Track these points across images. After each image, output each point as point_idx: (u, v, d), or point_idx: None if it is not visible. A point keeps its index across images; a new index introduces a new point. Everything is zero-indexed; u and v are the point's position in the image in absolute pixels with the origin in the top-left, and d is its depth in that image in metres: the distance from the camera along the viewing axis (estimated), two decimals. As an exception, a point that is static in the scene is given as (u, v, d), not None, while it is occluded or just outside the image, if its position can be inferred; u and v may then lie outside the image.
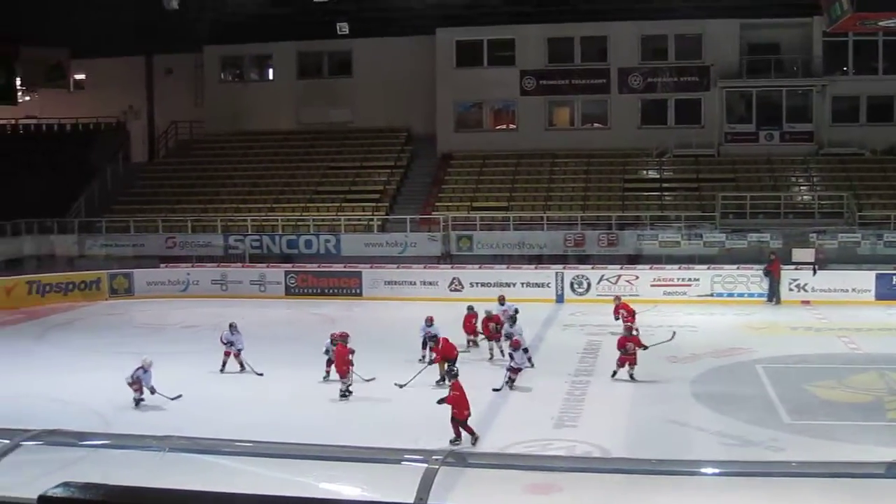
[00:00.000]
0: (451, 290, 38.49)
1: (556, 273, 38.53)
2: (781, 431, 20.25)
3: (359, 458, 5.30)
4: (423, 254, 41.82)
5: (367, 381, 24.35)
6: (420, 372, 24.65)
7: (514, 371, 24.18)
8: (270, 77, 55.12)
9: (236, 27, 49.22)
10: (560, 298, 37.94)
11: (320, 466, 5.41)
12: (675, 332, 26.24)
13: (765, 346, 29.18)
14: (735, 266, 37.76)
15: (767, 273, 36.76)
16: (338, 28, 46.81)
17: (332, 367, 24.30)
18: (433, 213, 43.92)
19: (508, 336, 26.45)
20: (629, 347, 24.71)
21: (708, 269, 37.88)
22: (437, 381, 24.31)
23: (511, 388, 23.93)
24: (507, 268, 39.64)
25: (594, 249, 40.65)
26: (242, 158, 50.99)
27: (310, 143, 51.48)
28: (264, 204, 46.33)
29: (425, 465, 4.69)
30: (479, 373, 24.82)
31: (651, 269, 38.29)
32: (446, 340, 25.51)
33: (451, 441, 19.18)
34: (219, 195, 47.66)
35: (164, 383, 23.27)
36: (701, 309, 35.62)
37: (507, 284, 37.71)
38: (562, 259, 40.35)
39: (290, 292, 40.41)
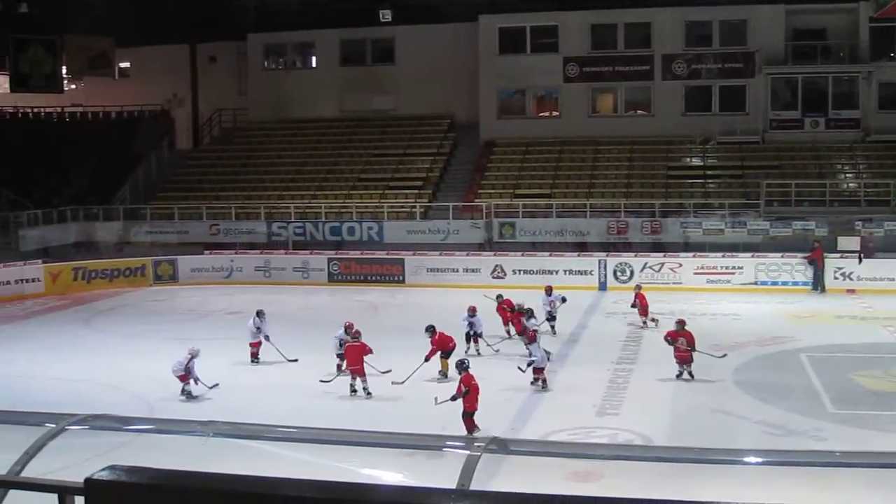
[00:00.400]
0: (493, 278, 38.46)
1: (599, 260, 38.40)
2: (825, 421, 20.12)
3: (400, 444, 5.31)
4: (465, 241, 41.81)
5: (384, 373, 23.54)
6: (418, 368, 23.55)
7: (539, 371, 23.09)
8: (313, 65, 55.26)
9: (279, 15, 49.41)
10: (603, 286, 37.81)
11: (362, 452, 5.43)
12: (726, 355, 24.90)
13: (809, 334, 28.97)
14: (779, 254, 37.44)
15: (811, 262, 36.48)
16: (380, 15, 46.91)
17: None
18: (476, 200, 43.89)
19: (524, 330, 26.15)
20: (680, 342, 23.55)
21: (752, 257, 37.61)
22: (439, 376, 23.96)
23: (545, 387, 22.98)
24: (550, 255, 39.53)
25: (637, 237, 40.48)
26: (286, 146, 51.18)
27: (353, 130, 51.56)
28: (307, 191, 46.48)
29: (467, 451, 4.70)
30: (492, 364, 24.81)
31: (695, 256, 38.07)
32: (442, 334, 24.80)
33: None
34: (262, 182, 47.89)
35: (208, 369, 23.44)
36: (744, 297, 35.41)
37: (550, 272, 37.73)
38: (605, 246, 40.18)
39: (332, 279, 40.55)
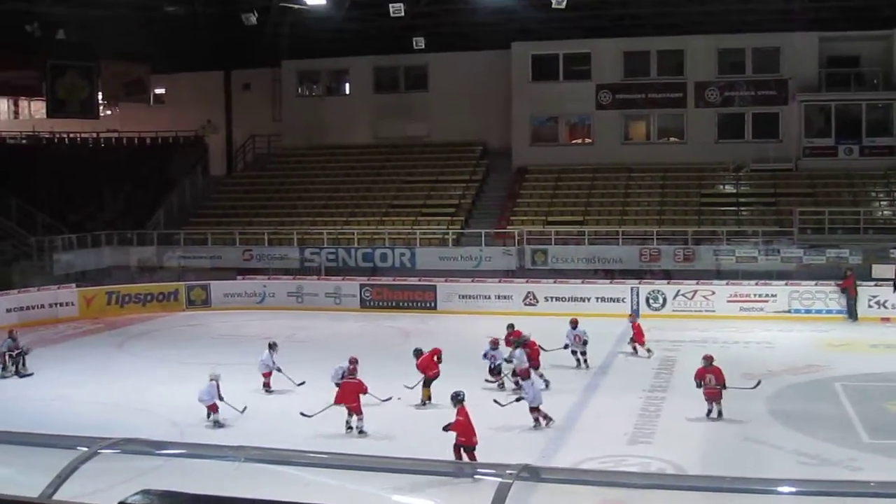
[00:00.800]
0: (525, 305, 38.42)
1: (632, 288, 38.26)
2: (860, 451, 19.92)
3: (432, 471, 5.30)
4: (497, 268, 41.78)
5: (384, 401, 23.60)
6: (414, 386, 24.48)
7: (534, 410, 21.86)
8: (347, 91, 55.53)
9: (313, 42, 49.71)
10: (635, 313, 37.65)
11: (394, 478, 5.43)
12: (760, 381, 24.10)
13: (843, 363, 28.72)
14: (813, 282, 37.18)
15: (843, 290, 36.21)
16: (414, 43, 47.11)
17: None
18: (508, 227, 43.90)
19: (509, 360, 25.68)
20: (708, 380, 22.68)
21: (786, 284, 37.34)
22: (419, 405, 24.03)
23: (547, 424, 21.95)
24: (582, 282, 39.42)
25: (670, 264, 40.31)
26: (319, 172, 51.42)
27: (386, 156, 51.74)
28: (340, 217, 46.64)
29: (499, 479, 4.69)
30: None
31: (728, 284, 37.85)
32: (426, 358, 24.94)
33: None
34: (295, 208, 48.09)
35: (240, 393, 23.51)
36: (778, 325, 35.18)
37: (582, 299, 37.70)
38: (637, 274, 40.03)
39: (365, 305, 40.59)
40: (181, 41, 50.01)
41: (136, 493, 4.32)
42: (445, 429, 18.79)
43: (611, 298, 38.12)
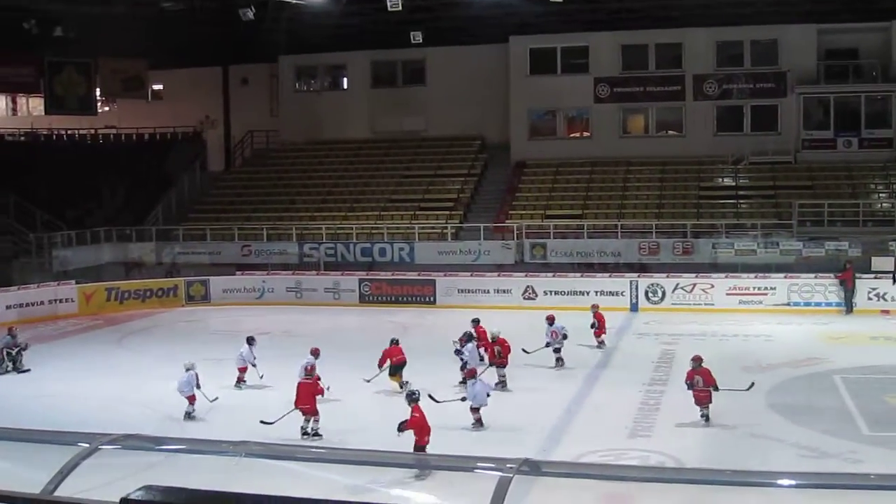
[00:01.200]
0: (524, 299, 38.45)
1: (631, 281, 38.27)
2: (860, 443, 19.92)
3: (432, 465, 5.31)
4: (496, 262, 41.80)
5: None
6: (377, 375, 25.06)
7: (474, 410, 21.46)
8: (345, 86, 55.57)
9: (311, 37, 49.63)
10: (634, 307, 37.69)
11: (393, 473, 5.43)
12: (753, 384, 23.19)
13: (843, 356, 28.73)
14: (812, 275, 37.18)
15: (842, 282, 36.23)
16: (411, 37, 47.04)
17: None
18: (507, 221, 43.90)
19: (458, 353, 25.50)
20: (696, 381, 21.97)
21: (784, 277, 37.34)
22: (399, 391, 23.83)
23: (479, 426, 21.42)
24: (581, 276, 39.45)
25: (669, 258, 40.31)
26: (317, 167, 51.45)
27: (384, 151, 51.74)
28: (339, 212, 46.65)
29: (500, 473, 4.69)
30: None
31: (727, 277, 37.86)
32: (394, 347, 25.34)
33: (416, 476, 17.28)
34: (294, 203, 48.11)
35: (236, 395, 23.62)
36: (777, 318, 35.19)
37: (581, 293, 37.73)
38: (636, 267, 40.03)
39: (364, 300, 40.62)
40: (179, 37, 49.91)
41: (139, 489, 4.32)
42: (400, 429, 18.17)
43: (610, 292, 38.09)
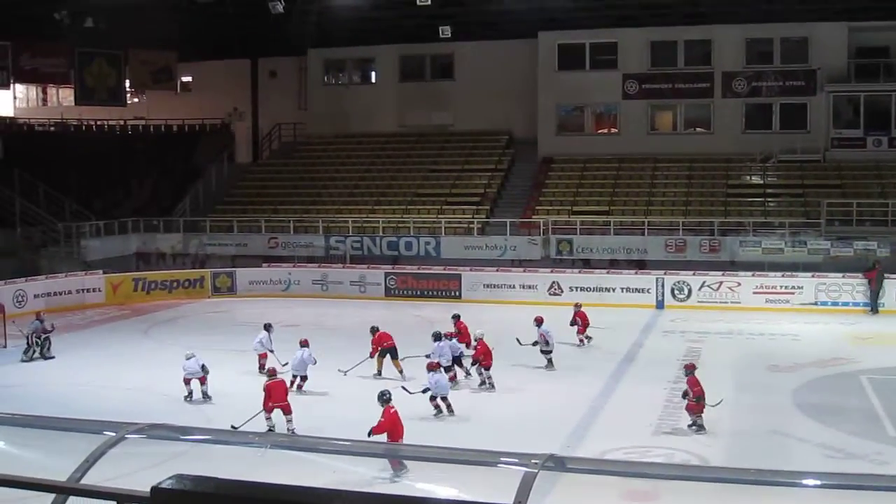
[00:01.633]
0: (550, 294, 38.37)
1: (657, 278, 38.15)
2: (887, 444, 19.83)
3: (455, 459, 5.30)
4: (522, 257, 41.76)
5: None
6: (362, 362, 26.10)
7: (434, 399, 22.19)
8: (373, 80, 55.57)
9: (340, 30, 49.69)
10: (660, 304, 37.58)
11: (417, 466, 5.44)
12: (722, 401, 21.83)
13: (870, 356, 28.58)
14: (840, 274, 36.97)
15: (868, 281, 36.02)
16: (440, 31, 47.02)
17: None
18: (533, 216, 43.87)
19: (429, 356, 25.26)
20: (687, 392, 21.31)
21: (812, 276, 37.14)
22: (374, 375, 25.45)
23: (449, 412, 22.24)
24: (607, 272, 39.36)
25: (696, 255, 40.15)
26: (345, 160, 51.48)
27: (411, 145, 51.78)
28: (365, 206, 46.71)
29: (524, 468, 4.68)
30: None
31: (753, 276, 37.68)
32: (382, 333, 26.41)
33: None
34: (321, 196, 48.18)
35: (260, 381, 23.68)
36: (804, 317, 35.01)
37: (607, 289, 37.75)
38: (663, 264, 39.88)
39: (389, 294, 40.63)
40: (208, 29, 50.15)
41: (170, 478, 4.33)
42: (370, 434, 17.74)
43: (636, 289, 38.05)
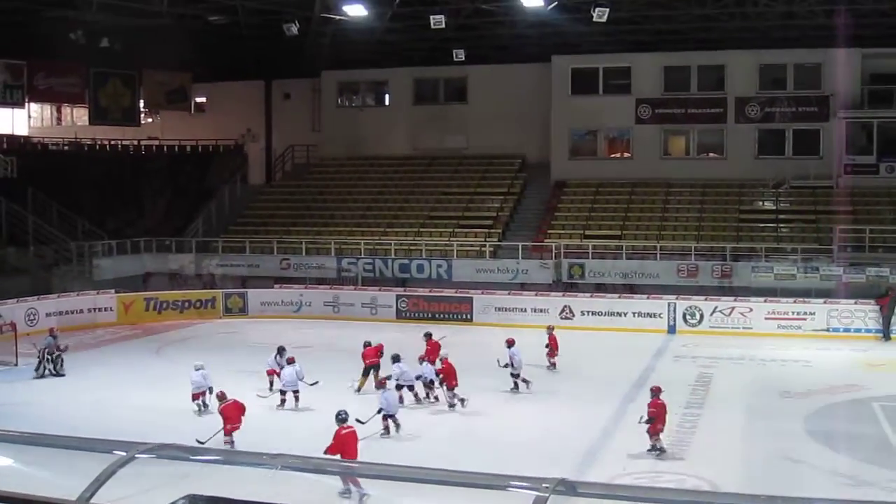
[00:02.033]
0: (562, 318, 38.26)
1: (669, 303, 38.06)
2: (899, 472, 19.73)
3: (466, 482, 5.30)
4: (534, 281, 41.71)
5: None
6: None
7: (386, 418, 22.60)
8: (387, 102, 55.70)
9: (353, 53, 49.90)
10: (672, 329, 37.48)
11: (428, 490, 5.42)
12: (642, 417, 21.32)
13: (882, 383, 28.44)
14: (852, 301, 36.85)
15: (880, 308, 35.90)
16: (454, 55, 47.14)
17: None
18: (545, 240, 43.84)
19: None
20: (648, 413, 21.27)
21: (824, 303, 37.01)
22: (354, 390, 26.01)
23: (395, 431, 22.67)
24: (619, 297, 39.29)
25: (707, 280, 40.05)
26: (357, 182, 51.55)
27: (424, 168, 51.87)
28: (378, 228, 46.75)
29: (536, 492, 4.68)
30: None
31: (766, 301, 37.57)
32: (369, 349, 27.34)
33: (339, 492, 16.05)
34: (333, 218, 48.24)
35: (271, 401, 23.68)
36: (816, 343, 34.86)
37: (619, 314, 37.71)
38: (675, 289, 39.77)
39: (401, 316, 40.59)
40: (223, 51, 50.38)
41: (182, 498, 4.34)
42: (325, 451, 17.75)
43: (648, 313, 37.97)
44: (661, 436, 21.17)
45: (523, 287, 41.48)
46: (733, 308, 37.39)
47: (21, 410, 24.79)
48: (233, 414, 21.68)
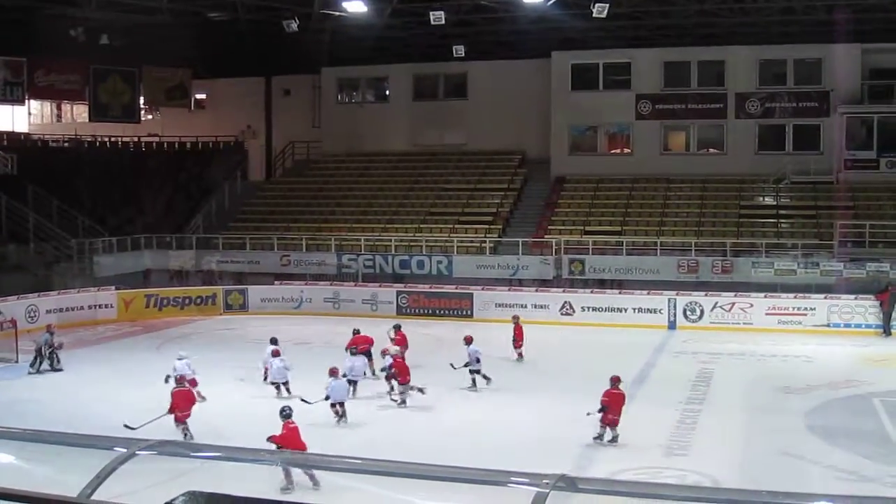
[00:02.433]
0: (562, 314, 38.31)
1: (669, 299, 38.05)
2: (899, 467, 19.73)
3: (466, 478, 5.29)
4: (534, 277, 41.72)
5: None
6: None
7: (334, 406, 23.29)
8: (386, 99, 55.67)
9: (353, 49, 49.88)
10: (672, 325, 37.48)
11: (428, 486, 5.42)
12: (590, 413, 21.70)
13: (882, 379, 28.44)
14: (853, 296, 36.84)
15: (881, 304, 35.89)
16: (454, 51, 47.14)
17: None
18: (546, 236, 43.82)
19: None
20: (601, 401, 21.61)
21: (825, 298, 37.00)
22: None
23: (343, 417, 23.36)
24: (619, 293, 39.28)
25: (708, 276, 40.06)
26: (357, 179, 51.54)
27: (424, 164, 51.86)
28: (378, 224, 46.74)
29: (536, 488, 4.68)
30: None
31: (766, 297, 37.55)
32: (362, 336, 27.98)
33: (281, 489, 13.85)
34: (333, 215, 48.25)
35: (271, 399, 23.73)
36: (817, 339, 34.87)
37: (619, 309, 37.68)
38: (675, 285, 39.78)
39: (401, 312, 40.57)
40: (223, 47, 50.38)
41: (182, 494, 4.34)
42: (268, 439, 17.35)
43: (648, 309, 37.96)
44: (617, 428, 21.47)
45: (527, 283, 41.45)
46: (734, 304, 37.38)
47: (22, 407, 24.80)
48: (181, 402, 21.82)
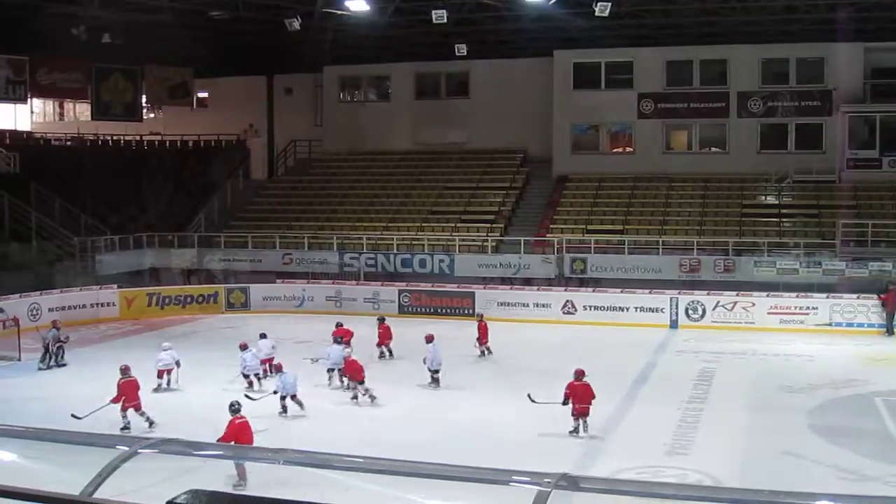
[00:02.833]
0: (564, 313, 38.31)
1: (671, 298, 38.03)
2: (900, 467, 19.72)
3: (467, 477, 5.29)
4: (536, 276, 41.71)
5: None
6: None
7: (283, 398, 23.98)
8: (388, 97, 55.66)
9: (355, 48, 49.88)
10: (674, 324, 37.46)
11: (430, 484, 5.42)
12: (533, 400, 23.18)
13: (884, 378, 28.42)
14: (855, 295, 36.80)
15: (883, 304, 35.88)
16: (456, 49, 47.12)
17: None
18: (548, 235, 43.82)
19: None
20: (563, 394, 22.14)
21: (827, 297, 36.96)
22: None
23: (284, 412, 23.93)
24: (621, 292, 39.25)
25: (710, 275, 40.04)
26: (359, 177, 51.55)
27: (426, 163, 51.85)
28: (380, 223, 46.75)
29: (538, 487, 4.67)
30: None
31: (768, 296, 37.53)
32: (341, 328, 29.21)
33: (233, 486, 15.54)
34: (335, 213, 48.26)
35: (273, 397, 23.76)
36: (819, 338, 34.86)
37: (621, 308, 37.66)
38: (677, 284, 39.77)
39: (403, 311, 40.56)
40: (225, 46, 50.38)
41: (185, 493, 4.34)
42: (219, 440, 17.77)
43: (650, 308, 37.94)
44: (588, 419, 21.94)
45: (529, 282, 41.45)
46: (736, 303, 37.37)
47: (24, 406, 24.84)
48: (128, 392, 22.71)
